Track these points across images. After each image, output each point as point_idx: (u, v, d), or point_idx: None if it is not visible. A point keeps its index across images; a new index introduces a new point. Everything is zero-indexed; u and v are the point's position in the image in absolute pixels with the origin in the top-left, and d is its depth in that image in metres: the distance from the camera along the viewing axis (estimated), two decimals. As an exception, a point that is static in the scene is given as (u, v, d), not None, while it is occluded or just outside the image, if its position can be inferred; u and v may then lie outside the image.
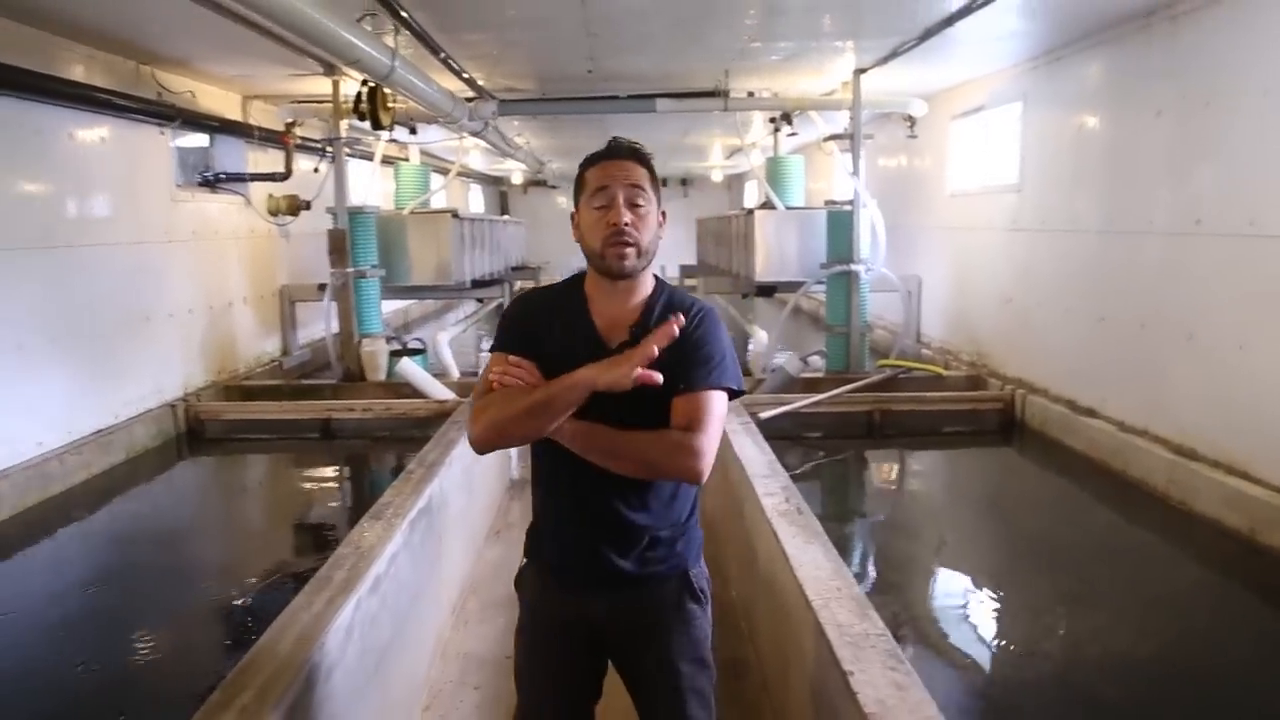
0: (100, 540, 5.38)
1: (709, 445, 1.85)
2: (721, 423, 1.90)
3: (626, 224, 1.87)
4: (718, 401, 1.88)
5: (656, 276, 2.03)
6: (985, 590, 4.54)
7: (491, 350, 2.01)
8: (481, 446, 1.91)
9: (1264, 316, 4.74)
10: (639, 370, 1.73)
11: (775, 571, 3.18)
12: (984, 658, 3.88)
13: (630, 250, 1.88)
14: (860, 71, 7.68)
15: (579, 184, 1.97)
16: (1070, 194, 6.82)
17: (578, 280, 2.03)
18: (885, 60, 7.25)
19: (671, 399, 1.86)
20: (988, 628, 4.16)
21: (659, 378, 1.74)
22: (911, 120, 8.98)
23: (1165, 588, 4.53)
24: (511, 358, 1.90)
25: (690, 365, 1.87)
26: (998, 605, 4.38)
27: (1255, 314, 4.81)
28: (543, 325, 1.97)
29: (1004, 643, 4.02)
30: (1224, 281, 5.06)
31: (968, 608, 4.40)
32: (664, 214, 2.00)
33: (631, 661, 2.07)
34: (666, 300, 1.97)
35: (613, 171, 1.91)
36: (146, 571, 4.85)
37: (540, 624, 2.10)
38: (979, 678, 3.73)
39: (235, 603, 4.41)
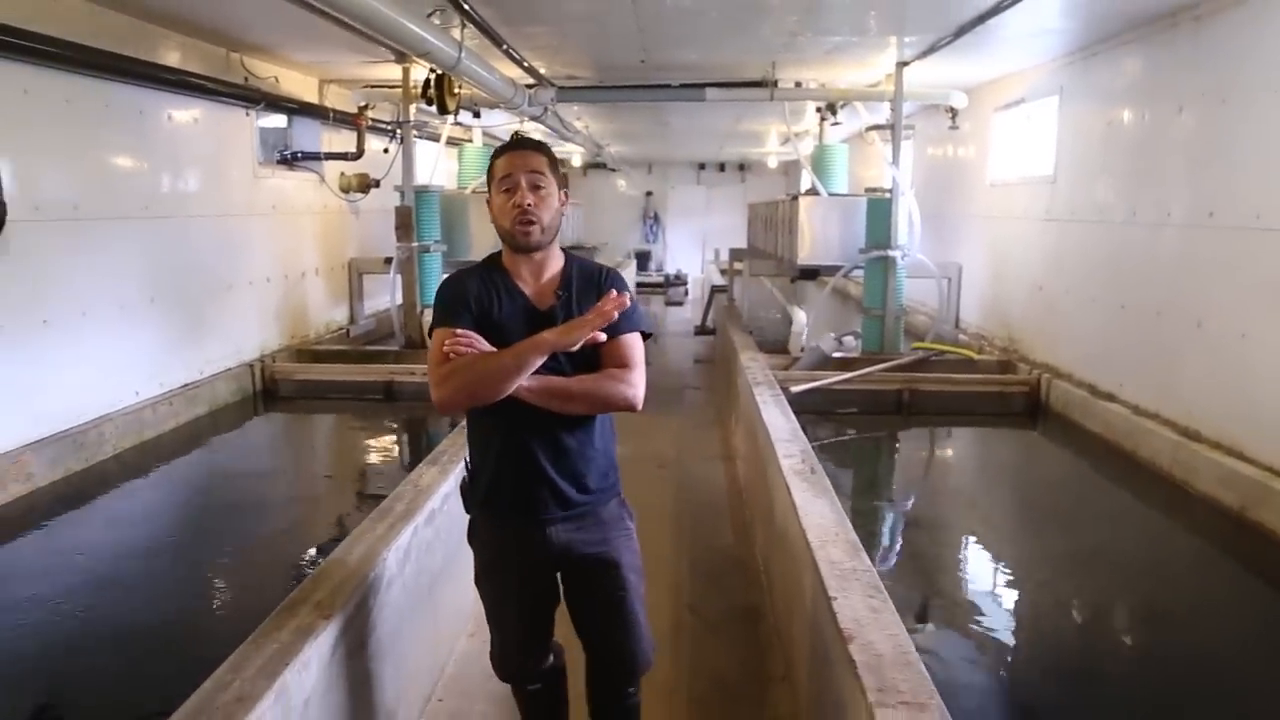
0: (187, 481, 5.99)
1: (640, 378, 2.28)
2: (642, 357, 2.32)
3: (529, 205, 2.20)
4: (637, 342, 2.31)
5: (563, 249, 2.39)
6: (995, 554, 4.93)
7: (435, 327, 2.27)
8: (449, 409, 2.26)
9: (1264, 307, 5.01)
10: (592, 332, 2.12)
11: (787, 523, 3.54)
12: (994, 608, 4.25)
13: (534, 227, 2.22)
14: (902, 64, 7.96)
15: (490, 173, 2.29)
16: (1099, 186, 7.07)
17: (496, 259, 2.36)
18: (926, 54, 7.53)
19: (594, 347, 2.21)
20: (998, 585, 4.56)
21: (603, 336, 2.16)
22: (954, 112, 9.23)
23: (1155, 557, 4.88)
24: (460, 331, 2.18)
25: (628, 312, 2.23)
26: (1007, 568, 4.76)
27: (1257, 304, 5.08)
28: (483, 299, 2.26)
29: (1012, 597, 4.40)
30: (1231, 272, 5.33)
31: (980, 568, 4.82)
32: (565, 194, 2.32)
33: (585, 576, 2.39)
34: (579, 267, 2.35)
35: (516, 161, 2.24)
36: (230, 509, 5.44)
37: (503, 563, 2.41)
38: (988, 622, 4.08)
39: (305, 537, 4.97)
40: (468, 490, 2.47)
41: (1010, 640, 3.94)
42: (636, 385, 2.26)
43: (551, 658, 2.61)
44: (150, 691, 3.23)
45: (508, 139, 2.44)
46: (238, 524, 5.16)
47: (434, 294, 7.72)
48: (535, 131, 13.16)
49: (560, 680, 2.67)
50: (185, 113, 6.96)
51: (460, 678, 3.43)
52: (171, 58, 6.77)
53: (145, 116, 6.48)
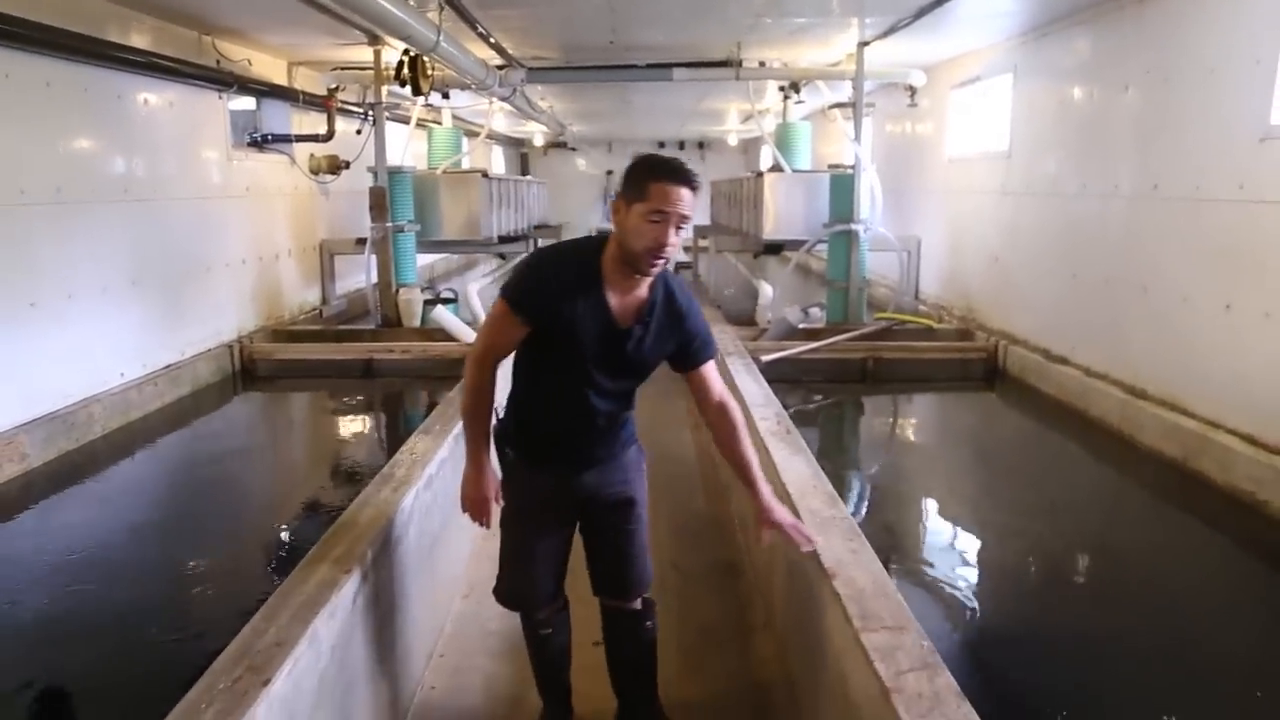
0: (175, 460, 6.11)
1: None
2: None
3: (670, 245, 2.24)
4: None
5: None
6: (958, 505, 5.26)
7: (505, 298, 2.35)
8: (470, 370, 2.46)
9: (1204, 271, 5.35)
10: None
11: (767, 479, 3.82)
12: (958, 550, 4.60)
13: (662, 262, 2.28)
14: (864, 44, 8.19)
15: (638, 187, 2.23)
16: (1051, 160, 7.38)
17: (596, 254, 2.35)
18: (886, 34, 7.77)
19: (653, 362, 2.46)
20: (962, 530, 4.89)
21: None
22: (913, 90, 9.49)
23: (1105, 504, 5.26)
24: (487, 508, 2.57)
25: (704, 343, 2.51)
26: (969, 515, 5.09)
27: (1197, 269, 5.42)
28: (563, 298, 2.30)
29: (974, 540, 4.75)
30: (1173, 241, 5.66)
31: (945, 516, 5.13)
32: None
33: (606, 512, 2.60)
34: (664, 288, 2.41)
35: (673, 198, 2.21)
36: (225, 485, 5.58)
37: (539, 506, 2.59)
38: (955, 561, 4.45)
39: (297, 509, 5.12)
40: (509, 436, 2.59)
41: (974, 576, 4.29)
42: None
43: (564, 602, 2.80)
44: (150, 658, 3.43)
45: (659, 156, 2.34)
46: (236, 498, 5.32)
47: (407, 273, 7.70)
48: (499, 112, 13.27)
49: (568, 626, 2.84)
50: (160, 96, 7.00)
51: (458, 636, 3.58)
52: (146, 41, 6.80)
53: (123, 100, 6.53)
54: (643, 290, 2.37)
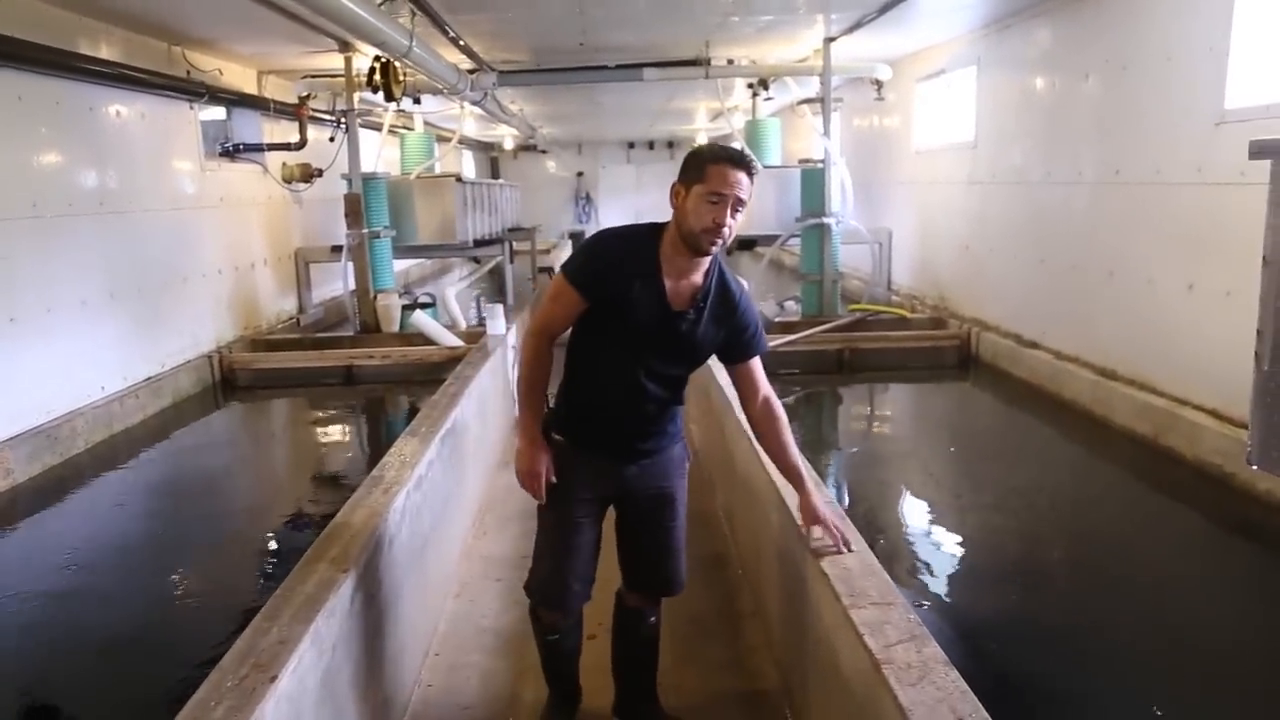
0: (161, 472, 6.09)
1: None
2: None
3: (727, 226, 2.32)
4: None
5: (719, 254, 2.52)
6: (937, 488, 5.41)
7: (566, 271, 2.44)
8: (528, 342, 2.53)
9: (1167, 253, 5.50)
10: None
11: (750, 471, 3.82)
12: (939, 530, 4.72)
13: (720, 243, 2.35)
14: (830, 40, 8.31)
15: (696, 170, 2.33)
16: (1016, 149, 7.53)
17: (655, 239, 2.43)
18: (852, 30, 7.89)
19: (706, 348, 2.51)
20: (941, 512, 5.01)
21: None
22: (879, 84, 9.62)
23: (1080, 482, 5.40)
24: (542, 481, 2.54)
25: (754, 336, 2.57)
26: (949, 498, 5.24)
27: (1160, 252, 5.57)
28: (621, 278, 2.38)
29: (954, 521, 4.86)
30: (1137, 224, 5.81)
31: (925, 500, 5.27)
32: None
33: (647, 507, 2.63)
34: (719, 276, 2.48)
35: (731, 180, 2.29)
36: (206, 496, 5.58)
37: (579, 493, 2.60)
38: (936, 540, 4.58)
39: (285, 516, 5.14)
40: (559, 420, 2.62)
41: (956, 554, 4.42)
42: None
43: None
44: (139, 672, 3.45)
45: (718, 144, 2.52)
46: (221, 509, 5.32)
47: (384, 279, 7.67)
48: (470, 116, 13.27)
49: (580, 628, 2.86)
50: (132, 108, 6.98)
51: (452, 635, 3.63)
52: (116, 53, 6.78)
53: (95, 113, 6.52)
54: (697, 277, 2.43)
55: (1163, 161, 5.49)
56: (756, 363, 2.63)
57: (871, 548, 2.78)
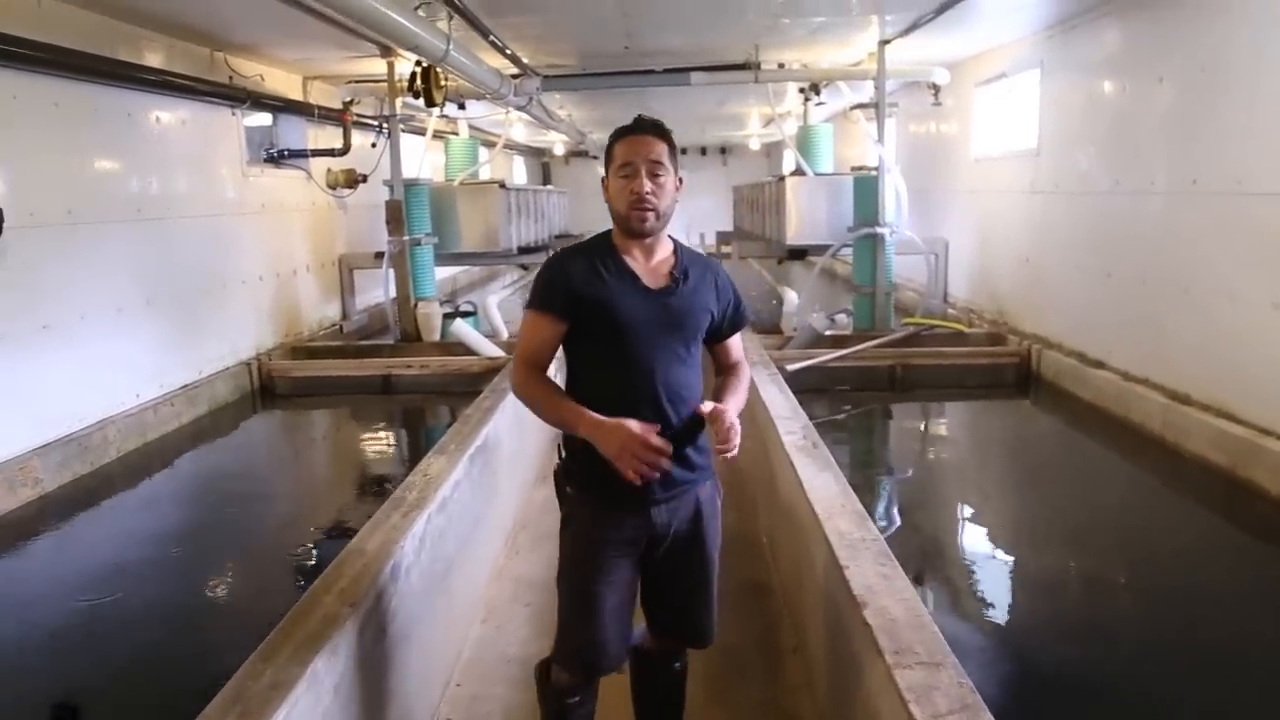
0: (191, 481, 6.03)
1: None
2: None
3: (648, 192, 2.20)
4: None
5: (670, 236, 2.40)
6: (994, 521, 5.04)
7: (529, 307, 2.29)
8: (515, 370, 2.31)
9: (1250, 270, 5.11)
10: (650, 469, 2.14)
11: (793, 498, 3.59)
12: (996, 572, 4.37)
13: (650, 214, 2.22)
14: (884, 43, 8.03)
15: (608, 155, 2.28)
16: (1082, 157, 7.16)
17: (606, 236, 2.35)
18: (907, 32, 7.60)
19: (699, 313, 2.32)
20: (999, 550, 4.67)
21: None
22: (936, 88, 9.31)
23: (1150, 517, 5.00)
24: (653, 443, 2.12)
25: (737, 308, 2.40)
26: (1006, 533, 4.87)
27: (1243, 267, 5.18)
28: (587, 281, 2.24)
29: (1012, 561, 4.52)
30: (1215, 238, 5.43)
31: (980, 534, 4.93)
32: (680, 180, 2.32)
33: (676, 554, 2.36)
34: (689, 255, 2.37)
35: (637, 146, 2.22)
36: (239, 506, 5.48)
37: (602, 550, 2.32)
38: (992, 585, 4.20)
39: (318, 531, 5.02)
40: (565, 473, 2.40)
41: (1014, 601, 4.05)
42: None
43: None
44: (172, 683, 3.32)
45: (630, 121, 2.37)
46: (250, 520, 5.21)
47: (425, 287, 7.68)
48: (518, 122, 13.22)
49: (595, 692, 2.58)
50: (172, 114, 6.96)
51: (477, 662, 3.46)
52: (156, 59, 6.76)
53: (133, 119, 6.48)
54: (664, 255, 2.34)
55: (1246, 171, 5.11)
56: (736, 337, 2.47)
57: (920, 584, 2.54)
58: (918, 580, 4.02)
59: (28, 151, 5.40)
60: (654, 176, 2.22)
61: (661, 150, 2.24)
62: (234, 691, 2.06)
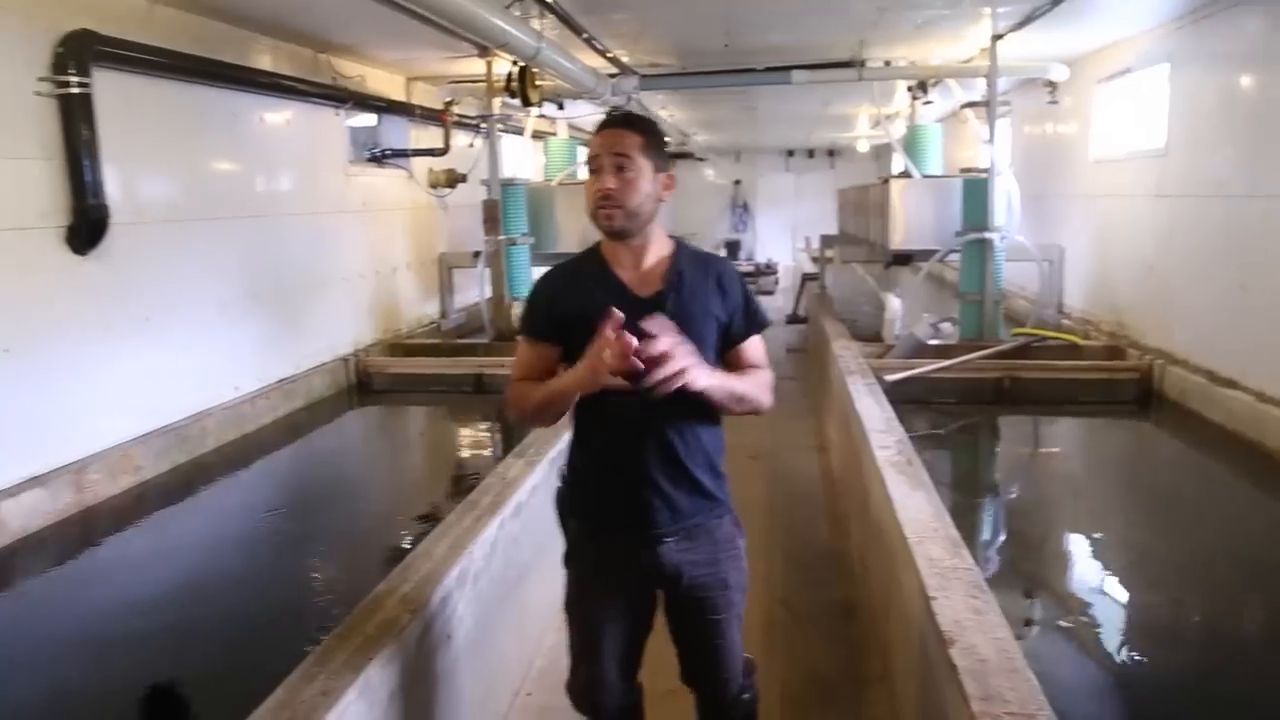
0: (284, 472, 6.16)
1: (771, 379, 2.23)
2: None
3: (611, 189, 2.05)
4: (762, 342, 2.25)
5: (674, 237, 2.24)
6: (1106, 553, 4.62)
7: (519, 334, 2.23)
8: (510, 390, 2.19)
9: None
10: (626, 362, 1.82)
11: (883, 517, 3.41)
12: (1105, 611, 4.00)
13: (616, 211, 2.06)
14: (997, 38, 7.65)
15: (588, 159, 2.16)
16: (1215, 158, 6.65)
17: (594, 248, 2.22)
18: (1022, 25, 7.21)
19: (700, 321, 2.10)
20: (1110, 586, 4.26)
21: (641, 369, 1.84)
22: (1053, 86, 8.84)
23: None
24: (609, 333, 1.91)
25: (748, 309, 2.19)
26: (1120, 567, 4.46)
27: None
28: (570, 298, 2.13)
29: (1126, 600, 4.14)
30: (1368, 246, 4.94)
31: (1090, 567, 4.52)
32: (670, 176, 2.16)
33: (688, 599, 2.22)
34: (689, 254, 2.20)
35: (604, 141, 2.09)
36: (328, 500, 5.59)
37: (604, 585, 2.22)
38: (1100, 626, 3.86)
39: (400, 528, 5.03)
40: (564, 500, 2.30)
41: (1124, 646, 3.70)
42: (772, 388, 2.22)
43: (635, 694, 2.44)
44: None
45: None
46: (337, 514, 5.29)
47: (521, 287, 7.73)
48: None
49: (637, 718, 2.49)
50: (277, 114, 7.13)
51: (549, 671, 3.38)
52: (262, 61, 6.93)
53: (239, 119, 6.66)
54: (655, 257, 2.17)
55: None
56: (756, 342, 2.24)
57: (1019, 630, 2.31)
58: (1019, 617, 3.74)
59: (138, 151, 5.57)
60: (619, 171, 2.07)
61: (630, 143, 2.08)
62: (286, 695, 2.03)
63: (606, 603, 2.25)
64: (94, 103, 5.01)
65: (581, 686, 2.35)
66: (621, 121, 2.14)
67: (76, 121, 4.92)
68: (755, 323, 2.21)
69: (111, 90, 5.25)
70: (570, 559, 2.32)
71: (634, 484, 2.14)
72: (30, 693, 3.40)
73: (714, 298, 2.15)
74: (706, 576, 2.20)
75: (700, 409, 2.11)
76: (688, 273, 2.15)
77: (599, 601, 2.26)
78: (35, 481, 4.75)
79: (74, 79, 4.87)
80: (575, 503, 2.28)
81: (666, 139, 2.19)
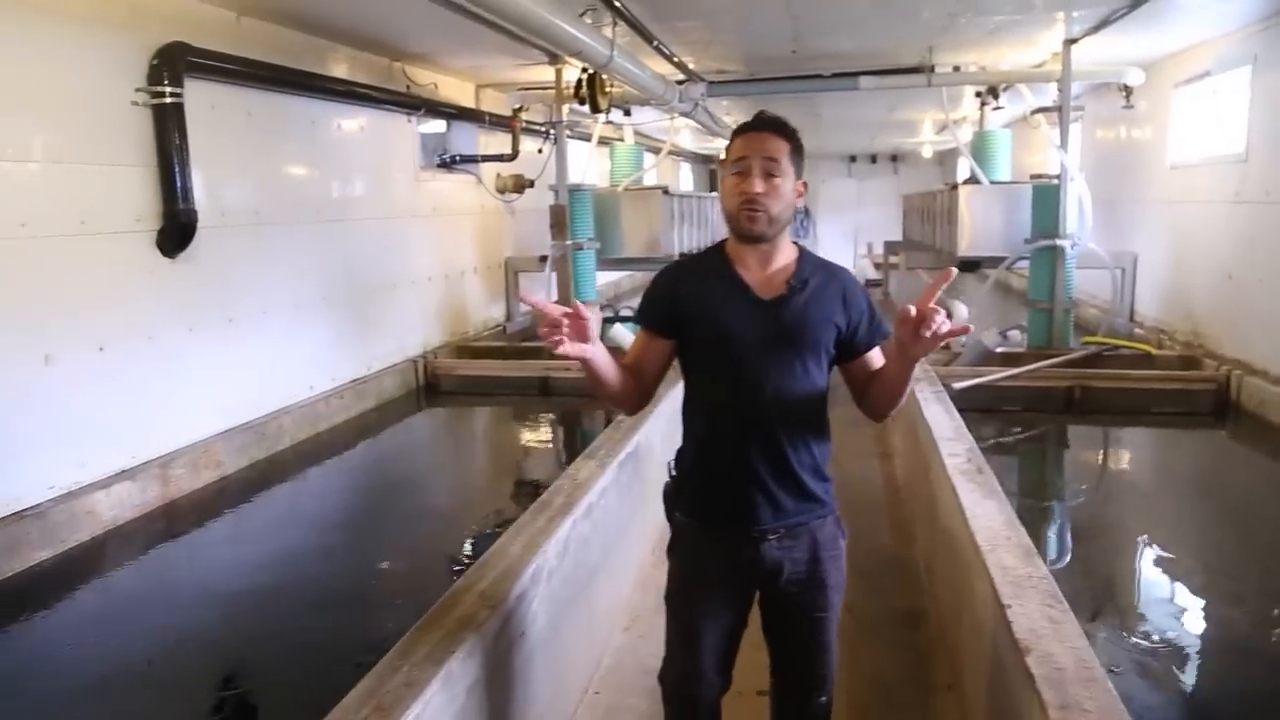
0: (358, 470, 6.33)
1: None
2: None
3: (759, 193, 2.06)
4: None
5: (797, 243, 2.25)
6: (1183, 566, 4.53)
7: (634, 320, 2.27)
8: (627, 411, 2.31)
9: None
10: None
11: (953, 525, 3.40)
12: (1182, 624, 3.94)
13: (760, 215, 2.08)
14: (1070, 42, 7.52)
15: (727, 150, 2.17)
16: (1299, 164, 6.47)
17: (719, 246, 2.24)
18: (1097, 29, 7.09)
19: (818, 326, 2.15)
20: (1187, 599, 4.18)
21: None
22: (1128, 90, 8.65)
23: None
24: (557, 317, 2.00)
25: (872, 318, 2.22)
26: (1197, 580, 4.36)
27: None
28: (691, 293, 2.17)
29: (1204, 612, 4.06)
30: None
31: (1166, 580, 4.44)
32: (804, 184, 2.18)
33: (789, 597, 2.23)
34: (814, 263, 2.21)
35: (753, 144, 2.09)
36: (401, 497, 5.74)
37: (706, 579, 2.26)
38: (1176, 638, 3.78)
39: (470, 526, 5.15)
40: (672, 494, 2.33)
41: (1204, 661, 3.64)
42: None
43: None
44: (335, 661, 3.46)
45: (751, 117, 2.29)
46: (409, 511, 5.43)
47: (586, 291, 7.78)
48: (685, 129, 13.23)
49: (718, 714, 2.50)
50: (352, 121, 7.33)
51: (616, 670, 3.43)
52: (340, 70, 7.13)
53: (317, 126, 6.85)
54: (781, 262, 2.18)
55: None
56: (877, 352, 2.25)
57: (1093, 632, 2.30)
58: (1093, 630, 3.69)
59: (222, 157, 5.77)
60: (768, 176, 2.08)
61: (780, 149, 2.10)
62: (372, 685, 2.09)
63: (706, 596, 2.27)
64: (185, 111, 5.22)
65: (676, 676, 2.36)
66: (773, 125, 2.13)
67: (169, 130, 5.14)
68: (879, 333, 2.24)
69: (201, 99, 5.46)
70: (673, 550, 2.35)
71: (739, 481, 2.17)
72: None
73: (834, 305, 2.17)
74: (806, 574, 2.23)
75: (809, 411, 2.18)
76: (811, 280, 2.17)
77: (699, 594, 2.28)
78: (124, 475, 4.95)
79: (168, 89, 5.08)
80: (681, 496, 2.31)
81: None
